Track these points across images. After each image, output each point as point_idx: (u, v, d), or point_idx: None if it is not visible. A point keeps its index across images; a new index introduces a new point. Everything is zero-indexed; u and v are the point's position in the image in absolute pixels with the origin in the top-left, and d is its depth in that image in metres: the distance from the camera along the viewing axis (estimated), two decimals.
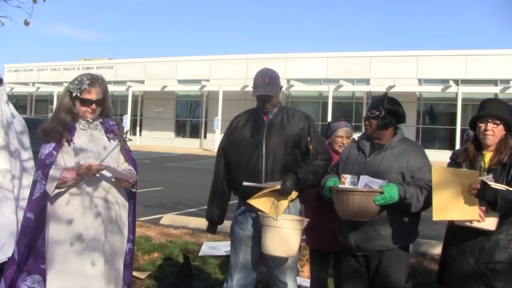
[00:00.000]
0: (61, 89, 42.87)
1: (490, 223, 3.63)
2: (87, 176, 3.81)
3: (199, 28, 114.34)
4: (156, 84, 41.08)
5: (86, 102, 3.91)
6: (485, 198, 3.52)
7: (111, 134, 4.04)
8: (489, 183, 3.59)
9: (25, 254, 3.81)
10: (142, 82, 42.93)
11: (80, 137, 3.94)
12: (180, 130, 43.39)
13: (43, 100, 47.41)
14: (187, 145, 39.92)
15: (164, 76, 41.62)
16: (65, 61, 48.22)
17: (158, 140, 41.24)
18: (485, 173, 3.78)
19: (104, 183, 3.94)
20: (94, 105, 3.93)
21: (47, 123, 3.97)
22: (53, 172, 3.77)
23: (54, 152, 3.84)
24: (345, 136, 4.90)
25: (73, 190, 3.86)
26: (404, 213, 3.91)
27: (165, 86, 40.29)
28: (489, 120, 3.80)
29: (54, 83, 45.33)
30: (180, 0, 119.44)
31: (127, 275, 4.21)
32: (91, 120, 3.99)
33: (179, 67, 42.11)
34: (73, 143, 3.90)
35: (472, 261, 3.77)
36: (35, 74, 48.06)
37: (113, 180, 3.96)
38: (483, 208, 3.57)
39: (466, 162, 3.88)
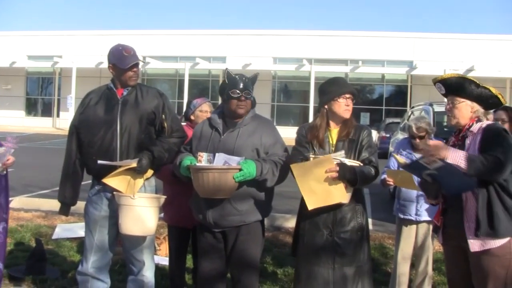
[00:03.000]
0: None
1: (346, 196, 3.90)
2: None
3: (51, 1, 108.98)
4: (4, 59, 38.78)
5: None
6: (346, 178, 3.79)
7: None
8: (344, 160, 3.83)
9: None
10: None
11: None
12: (31, 108, 41.51)
13: None
14: (39, 124, 38.32)
15: (12, 51, 39.36)
16: None
17: (7, 119, 39.05)
18: (333, 148, 4.00)
19: None
20: None
21: None
22: None
23: None
24: (209, 111, 4.96)
25: None
26: (260, 188, 4.00)
27: (13, 62, 38.23)
28: (349, 97, 4.06)
29: None
30: None
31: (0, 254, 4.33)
32: None
33: (29, 42, 39.99)
34: None
35: (326, 232, 4.00)
36: None
37: None
38: (344, 185, 3.83)
39: (314, 140, 4.06)
